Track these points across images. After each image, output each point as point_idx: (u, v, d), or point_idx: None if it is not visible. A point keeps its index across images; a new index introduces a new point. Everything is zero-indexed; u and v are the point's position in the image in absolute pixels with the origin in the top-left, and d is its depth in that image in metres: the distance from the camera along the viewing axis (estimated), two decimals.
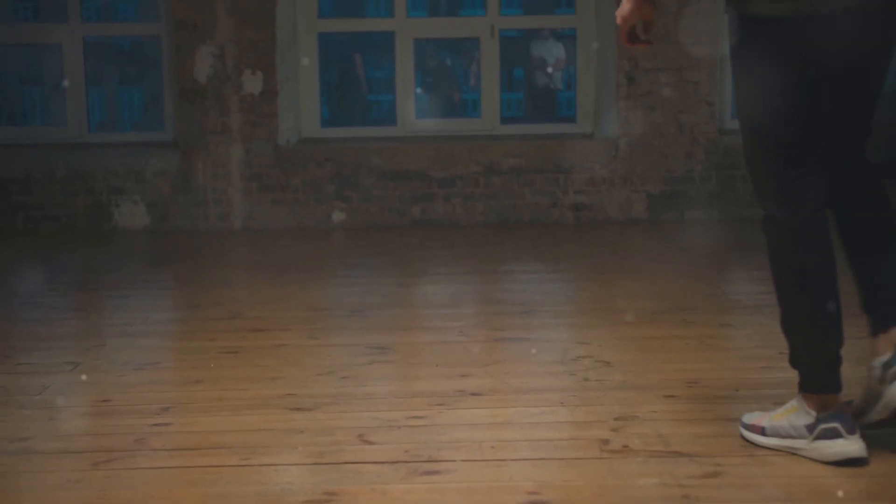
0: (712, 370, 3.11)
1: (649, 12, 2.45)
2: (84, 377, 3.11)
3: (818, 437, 2.30)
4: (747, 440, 2.44)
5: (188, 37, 6.41)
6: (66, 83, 6.87)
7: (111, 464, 2.36)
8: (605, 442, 2.45)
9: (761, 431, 2.41)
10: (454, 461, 2.34)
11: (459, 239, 5.97)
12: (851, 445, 2.26)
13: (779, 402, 2.54)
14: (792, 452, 2.35)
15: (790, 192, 2.33)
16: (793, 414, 2.36)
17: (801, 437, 2.33)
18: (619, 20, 2.48)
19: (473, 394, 2.86)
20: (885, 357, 2.31)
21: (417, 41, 6.99)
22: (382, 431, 2.55)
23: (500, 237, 6.01)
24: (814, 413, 2.31)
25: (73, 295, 4.61)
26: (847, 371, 2.36)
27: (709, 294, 4.27)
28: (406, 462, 2.33)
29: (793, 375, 2.40)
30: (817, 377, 2.34)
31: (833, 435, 2.28)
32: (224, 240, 6.15)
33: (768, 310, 3.80)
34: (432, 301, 4.30)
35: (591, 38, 6.77)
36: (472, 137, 6.72)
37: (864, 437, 2.29)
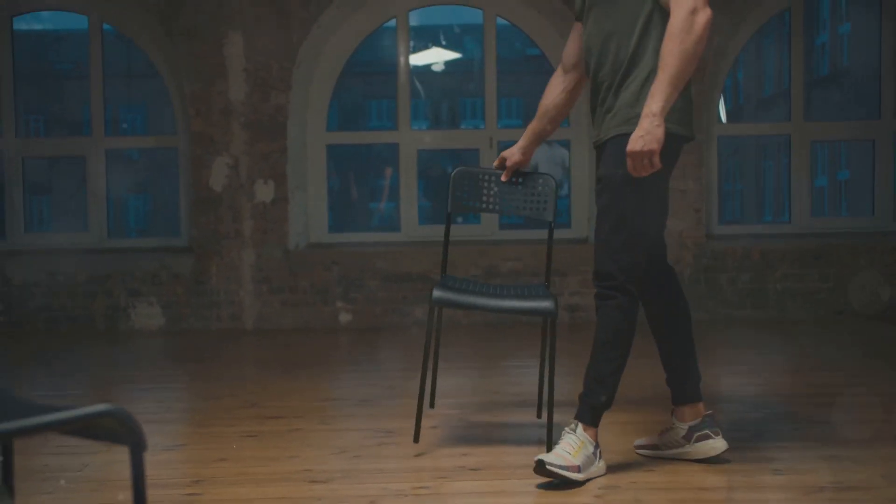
0: None
1: None
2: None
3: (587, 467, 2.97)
4: (567, 479, 2.90)
5: (205, 149, 6.84)
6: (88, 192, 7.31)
7: None
8: None
9: (578, 469, 2.93)
10: None
11: (460, 337, 6.28)
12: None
13: (748, 474, 2.88)
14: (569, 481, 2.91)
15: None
16: (583, 447, 2.96)
17: (590, 464, 2.98)
18: (655, 145, 2.78)
19: (473, 469, 3.17)
20: (693, 422, 3.17)
21: (420, 151, 7.44)
22: (391, 499, 2.85)
23: (498, 335, 6.33)
24: (593, 441, 3.01)
25: (98, 388, 4.92)
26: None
27: None
28: None
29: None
30: (599, 412, 3.09)
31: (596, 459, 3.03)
32: (236, 339, 6.48)
33: (749, 399, 4.15)
34: (435, 391, 4.60)
35: (585, 148, 7.21)
36: (472, 242, 7.10)
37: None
